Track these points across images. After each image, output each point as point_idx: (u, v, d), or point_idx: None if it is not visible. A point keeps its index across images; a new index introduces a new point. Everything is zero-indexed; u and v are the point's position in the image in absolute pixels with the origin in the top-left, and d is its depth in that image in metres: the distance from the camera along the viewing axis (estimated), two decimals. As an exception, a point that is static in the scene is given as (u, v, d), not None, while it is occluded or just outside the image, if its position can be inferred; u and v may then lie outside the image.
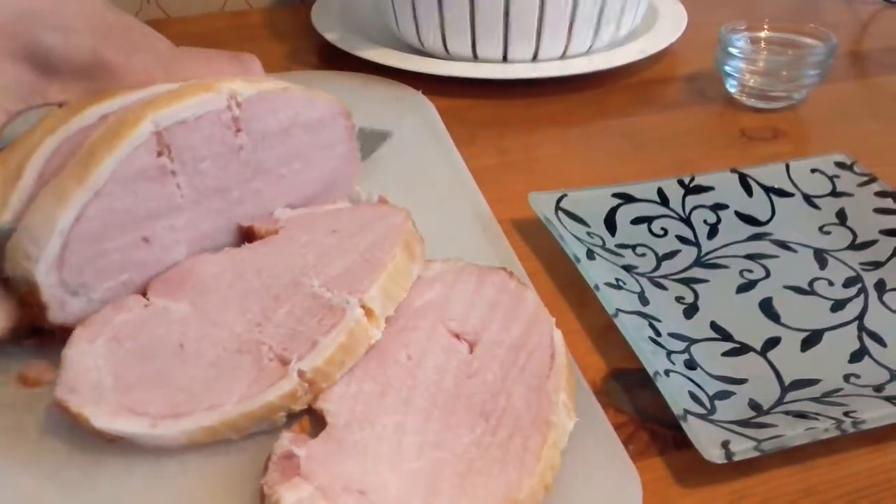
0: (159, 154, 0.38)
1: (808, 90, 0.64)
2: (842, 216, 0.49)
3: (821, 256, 0.46)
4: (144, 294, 0.39)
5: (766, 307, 0.43)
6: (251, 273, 0.39)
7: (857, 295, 0.43)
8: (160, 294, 0.39)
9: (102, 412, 0.33)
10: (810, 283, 0.44)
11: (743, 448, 0.33)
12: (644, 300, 0.42)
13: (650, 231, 0.48)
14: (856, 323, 0.42)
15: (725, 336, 0.41)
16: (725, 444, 0.33)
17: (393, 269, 0.38)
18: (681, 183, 0.50)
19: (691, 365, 0.39)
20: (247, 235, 0.43)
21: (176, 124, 0.38)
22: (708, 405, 0.36)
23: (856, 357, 0.40)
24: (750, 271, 0.45)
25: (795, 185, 0.50)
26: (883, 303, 0.43)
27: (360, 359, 0.35)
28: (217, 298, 0.38)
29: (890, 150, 0.59)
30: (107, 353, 0.35)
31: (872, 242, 0.47)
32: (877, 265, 0.45)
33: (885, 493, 0.34)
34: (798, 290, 0.44)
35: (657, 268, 0.45)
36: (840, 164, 0.51)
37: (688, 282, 0.44)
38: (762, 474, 0.35)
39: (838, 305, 0.43)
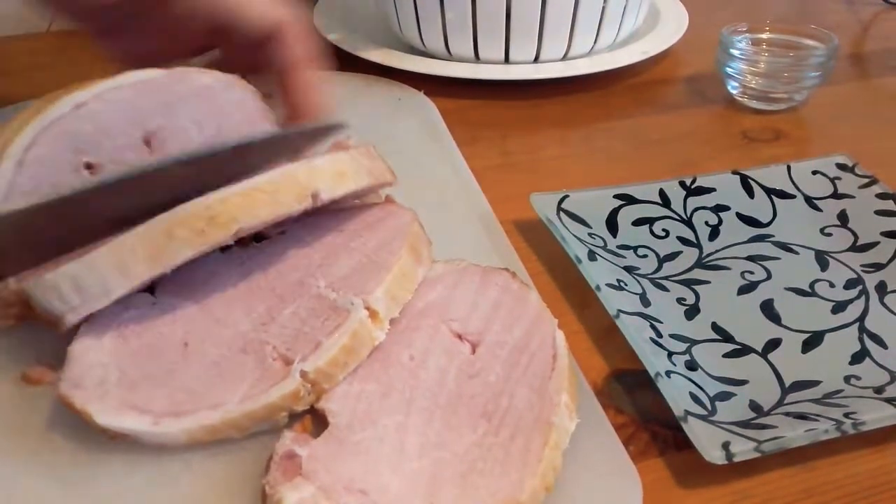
0: None
1: (809, 92, 0.64)
2: (843, 218, 0.49)
3: (822, 258, 0.46)
4: (152, 291, 0.39)
5: (768, 309, 0.43)
6: (257, 273, 0.39)
7: (858, 297, 0.43)
8: (167, 292, 0.39)
9: (106, 408, 0.33)
10: (811, 285, 0.44)
11: (743, 449, 0.33)
12: (645, 301, 0.42)
13: (651, 232, 0.48)
14: (857, 325, 0.42)
15: (726, 337, 0.41)
16: (726, 445, 0.33)
17: (398, 270, 0.38)
18: (682, 184, 0.50)
19: (692, 366, 0.39)
20: (253, 235, 0.42)
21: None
22: (709, 406, 0.36)
23: (856, 358, 0.40)
24: (751, 273, 0.45)
25: (797, 187, 0.51)
26: (884, 304, 0.43)
27: (363, 359, 0.36)
28: (223, 298, 0.38)
29: (891, 151, 0.59)
30: (112, 349, 0.35)
31: (873, 244, 0.47)
32: (878, 267, 0.45)
33: (885, 495, 0.34)
34: (799, 291, 0.44)
35: (658, 269, 0.45)
36: (841, 166, 0.52)
37: (689, 283, 0.44)
38: (762, 475, 0.35)
39: (839, 307, 0.43)
